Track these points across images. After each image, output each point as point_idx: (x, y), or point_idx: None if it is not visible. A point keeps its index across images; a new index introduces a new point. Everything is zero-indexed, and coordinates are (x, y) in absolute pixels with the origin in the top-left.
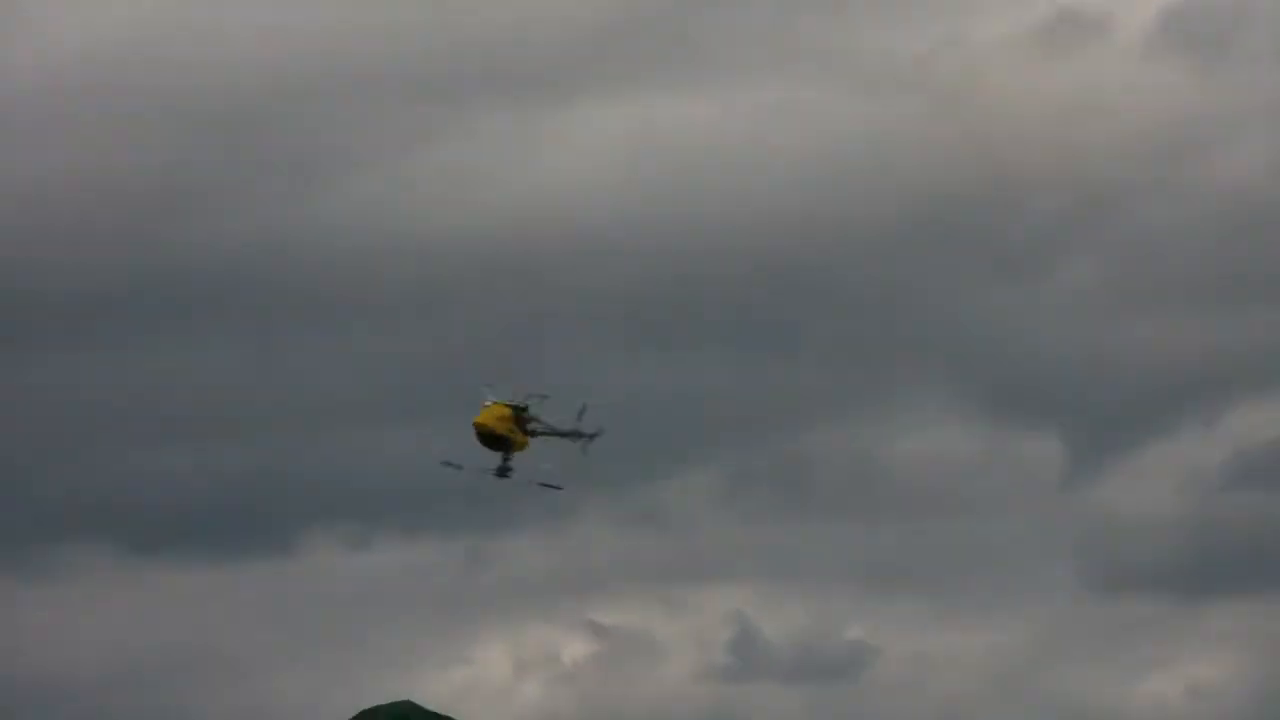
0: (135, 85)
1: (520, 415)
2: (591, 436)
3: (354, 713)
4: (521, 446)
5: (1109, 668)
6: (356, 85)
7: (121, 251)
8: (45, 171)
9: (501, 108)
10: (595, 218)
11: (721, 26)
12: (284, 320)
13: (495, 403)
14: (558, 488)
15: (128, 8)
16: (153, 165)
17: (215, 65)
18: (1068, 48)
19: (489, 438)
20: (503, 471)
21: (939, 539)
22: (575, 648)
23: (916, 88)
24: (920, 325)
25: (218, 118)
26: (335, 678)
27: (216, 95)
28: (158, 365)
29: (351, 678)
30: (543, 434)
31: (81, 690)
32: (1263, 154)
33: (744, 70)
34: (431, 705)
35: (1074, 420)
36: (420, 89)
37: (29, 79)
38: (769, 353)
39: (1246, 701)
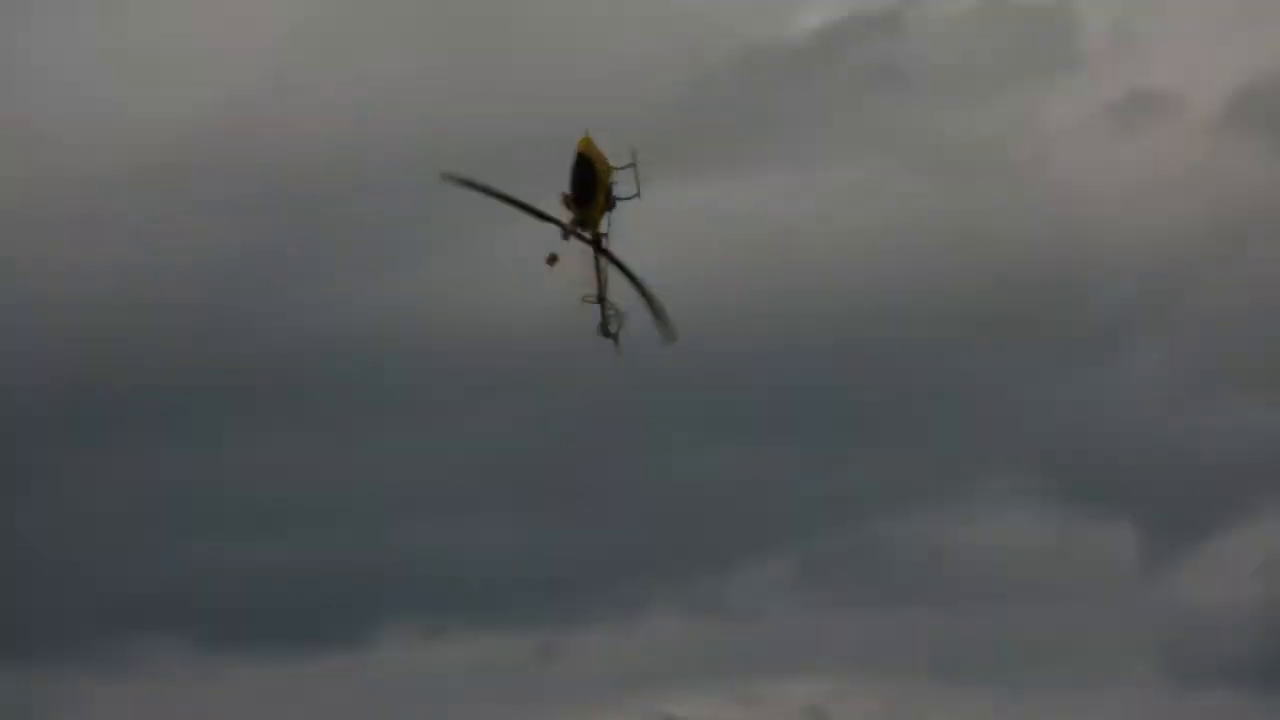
0: (204, 167)
1: (611, 185)
2: (616, 335)
3: None
4: (598, 214)
5: None
6: (428, 168)
7: (190, 340)
8: (115, 257)
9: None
10: (664, 300)
11: (791, 107)
12: (355, 409)
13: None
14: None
15: (195, 91)
16: (221, 251)
17: (283, 147)
18: (1139, 128)
19: (586, 168)
20: (570, 233)
21: (1015, 628)
22: None
23: (987, 170)
24: (993, 410)
25: (286, 201)
26: None
27: (285, 177)
28: (229, 456)
29: None
30: (604, 242)
31: None
32: None
33: (813, 151)
34: None
35: (1150, 507)
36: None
37: (97, 163)
38: (839, 439)
39: None
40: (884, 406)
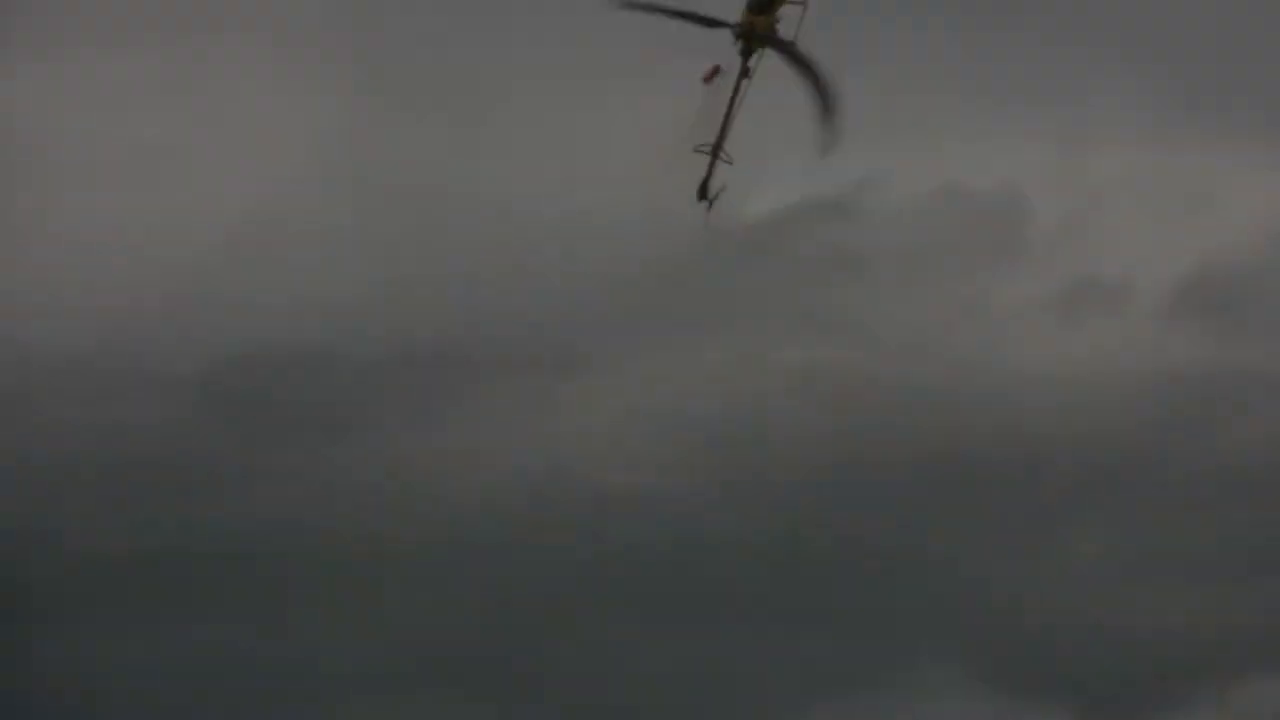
0: (149, 353)
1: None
2: (713, 200)
3: None
4: (768, 28)
5: None
6: (373, 354)
7: (133, 526)
8: (65, 439)
9: (512, 375)
10: (609, 484)
11: (742, 288)
12: (299, 595)
13: None
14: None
15: (148, 276)
16: (164, 437)
17: (229, 335)
18: (1087, 315)
19: None
20: (740, 35)
21: None
22: None
23: (935, 354)
24: (934, 595)
25: (228, 386)
26: None
27: (227, 363)
28: (188, 639)
29: None
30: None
31: None
32: None
33: (762, 333)
34: None
35: (1089, 694)
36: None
37: (47, 349)
38: (781, 623)
39: None
40: (826, 589)
